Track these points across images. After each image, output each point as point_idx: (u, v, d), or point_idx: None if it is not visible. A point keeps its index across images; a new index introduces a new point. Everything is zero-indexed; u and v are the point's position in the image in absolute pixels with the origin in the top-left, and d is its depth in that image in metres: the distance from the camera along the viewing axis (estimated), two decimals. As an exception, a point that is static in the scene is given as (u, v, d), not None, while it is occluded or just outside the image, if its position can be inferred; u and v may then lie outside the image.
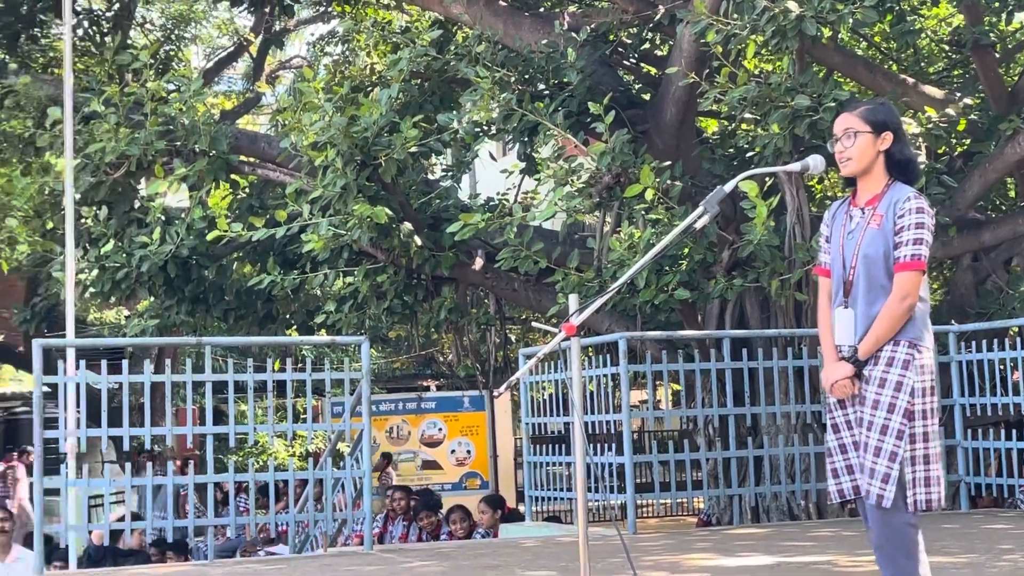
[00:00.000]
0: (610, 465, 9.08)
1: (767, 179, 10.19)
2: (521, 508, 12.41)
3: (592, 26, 11.17)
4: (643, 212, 9.44)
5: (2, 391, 28.12)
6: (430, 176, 13.08)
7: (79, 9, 14.56)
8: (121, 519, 9.20)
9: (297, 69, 20.38)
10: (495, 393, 9.43)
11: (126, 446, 7.75)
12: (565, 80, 10.38)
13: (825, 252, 4.52)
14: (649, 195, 9.16)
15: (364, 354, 8.01)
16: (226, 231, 10.56)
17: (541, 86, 10.80)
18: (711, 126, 14.05)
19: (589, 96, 10.09)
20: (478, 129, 10.93)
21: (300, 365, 7.96)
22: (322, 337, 11.76)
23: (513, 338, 17.29)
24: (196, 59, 21.85)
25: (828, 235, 4.50)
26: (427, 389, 20.83)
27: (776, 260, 9.36)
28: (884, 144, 4.35)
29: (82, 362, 7.93)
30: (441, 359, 21.19)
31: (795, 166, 4.50)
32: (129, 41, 13.12)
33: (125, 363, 7.43)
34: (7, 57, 13.42)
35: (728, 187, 4.32)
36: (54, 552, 9.99)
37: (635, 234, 9.37)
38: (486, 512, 11.04)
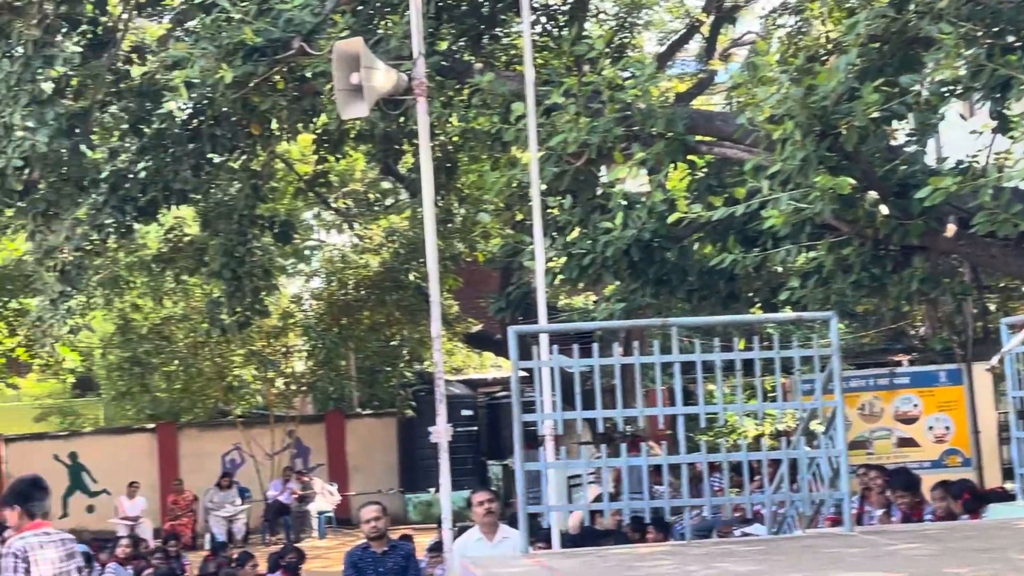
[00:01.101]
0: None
1: None
2: (1009, 486, 11.71)
3: (1068, -32, 10.34)
4: None
5: (484, 377, 29.71)
6: (893, 142, 12.55)
7: (536, 5, 15.07)
8: (597, 499, 9.41)
9: (750, 45, 20.18)
10: (988, 367, 8.91)
11: (600, 427, 7.88)
12: (1038, 29, 9.67)
13: None
14: None
15: (832, 329, 7.77)
16: (686, 212, 10.57)
17: (1011, 38, 10.10)
18: None
19: (1066, 44, 9.34)
20: (944, 89, 10.36)
21: (766, 343, 7.82)
22: (787, 314, 11.55)
23: (992, 307, 16.37)
24: (649, 44, 22.10)
25: None
26: (899, 364, 20.12)
27: None
28: None
29: (555, 347, 8.15)
30: (913, 332, 20.41)
31: None
32: (584, 32, 13.43)
33: (595, 347, 7.55)
34: (472, 57, 14.06)
35: None
36: (535, 533, 10.37)
37: None
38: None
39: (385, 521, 10.83)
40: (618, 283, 12.70)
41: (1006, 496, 10.82)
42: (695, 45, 22.44)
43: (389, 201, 25.67)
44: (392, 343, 26.23)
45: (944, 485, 11.25)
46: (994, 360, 4.28)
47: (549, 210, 11.85)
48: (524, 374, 10.05)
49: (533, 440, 11.05)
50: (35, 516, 7.86)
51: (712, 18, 19.50)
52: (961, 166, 10.78)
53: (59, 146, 13.85)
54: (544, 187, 11.71)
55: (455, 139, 13.90)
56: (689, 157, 12.19)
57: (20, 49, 13.54)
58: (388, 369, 26.65)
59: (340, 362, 26.78)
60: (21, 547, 7.66)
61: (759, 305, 13.33)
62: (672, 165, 11.76)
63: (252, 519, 24.54)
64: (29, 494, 7.95)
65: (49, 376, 32.11)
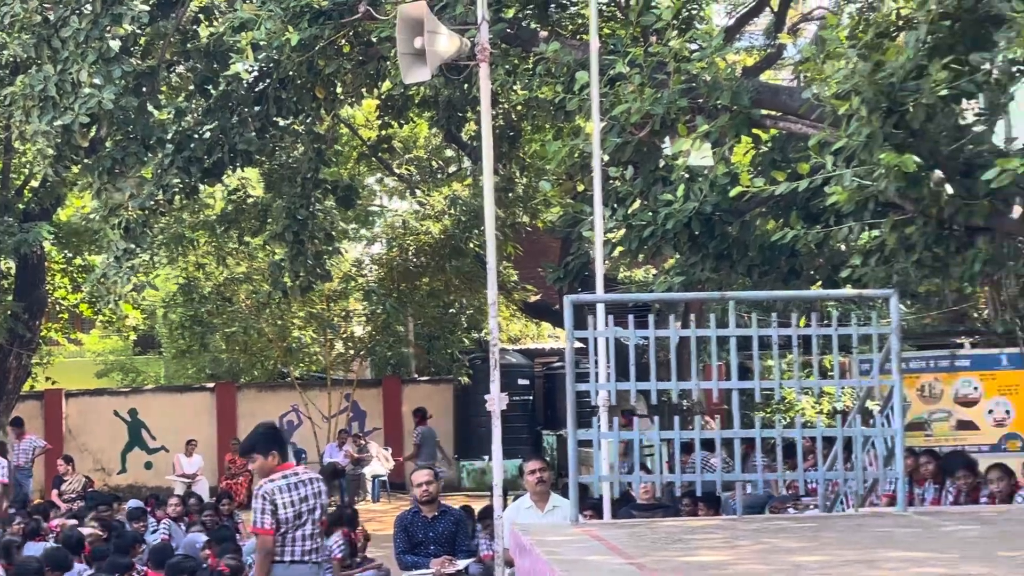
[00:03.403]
0: None
1: None
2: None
3: None
4: None
5: (542, 347, 29.74)
6: (961, 121, 12.37)
7: (605, -25, 14.98)
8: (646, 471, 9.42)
9: (820, 19, 19.95)
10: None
11: (654, 399, 7.87)
12: (1115, 7, 9.47)
13: None
14: None
15: (893, 308, 7.70)
16: (748, 186, 10.49)
17: (1087, 17, 9.91)
18: None
19: None
20: (1015, 68, 10.19)
21: (825, 321, 7.77)
22: (847, 291, 11.46)
23: (1058, 292, 16.14)
24: (718, 17, 21.89)
25: None
26: (960, 346, 19.89)
27: None
28: None
29: (610, 318, 8.13)
30: (975, 314, 20.17)
31: None
32: (652, 2, 13.33)
33: (651, 318, 7.53)
34: (538, 25, 14.00)
35: None
36: (585, 502, 10.39)
37: None
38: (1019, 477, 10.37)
39: (436, 486, 10.88)
40: (678, 256, 12.65)
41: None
42: (764, 19, 22.21)
43: (452, 168, 25.70)
44: (451, 310, 26.32)
45: (1002, 467, 11.15)
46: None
47: (610, 181, 11.81)
48: (580, 345, 10.03)
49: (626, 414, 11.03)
50: (286, 459, 8.84)
51: (783, -8, 19.28)
52: (1029, 147, 10.63)
53: (126, 104, 13.98)
54: (606, 158, 11.67)
55: (518, 108, 13.89)
56: (753, 131, 12.10)
57: (89, 7, 13.66)
58: (446, 336, 26.75)
59: (399, 328, 26.90)
60: (270, 489, 8.62)
61: (820, 282, 13.22)
62: (736, 138, 11.68)
63: (307, 480, 24.74)
64: (277, 438, 9.00)
65: (111, 333, 32.52)
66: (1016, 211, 10.52)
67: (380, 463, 24.63)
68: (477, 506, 13.06)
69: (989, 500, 10.68)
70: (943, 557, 5.64)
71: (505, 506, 9.67)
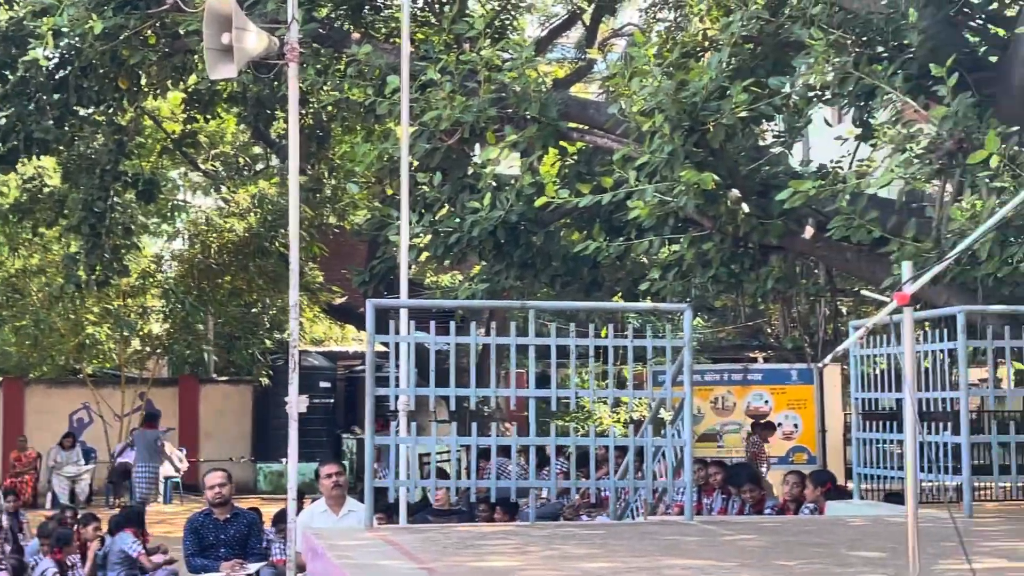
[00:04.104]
0: (945, 445, 8.64)
1: None
2: (850, 485, 12.03)
3: (936, -16, 10.61)
4: (987, 180, 8.89)
5: (345, 350, 29.55)
6: (760, 143, 12.78)
7: (415, -20, 14.98)
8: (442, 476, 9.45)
9: (629, 36, 20.34)
10: (821, 364, 9.19)
11: (452, 405, 7.90)
12: (905, 42, 9.89)
13: None
14: (994, 162, 8.62)
15: (687, 322, 7.89)
16: (554, 197, 10.64)
17: (879, 48, 10.33)
18: (1065, 89, 13.13)
19: (930, 58, 9.56)
20: (811, 94, 10.56)
21: (624, 332, 7.92)
22: (645, 304, 11.71)
23: (844, 310, 16.76)
24: (530, 28, 22.16)
25: None
26: (753, 360, 20.52)
27: None
28: None
29: (413, 323, 8.14)
30: (768, 330, 20.83)
31: None
32: (466, 11, 13.40)
33: (453, 324, 7.56)
34: (351, 27, 13.93)
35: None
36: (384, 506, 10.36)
37: (977, 204, 8.86)
38: (808, 488, 10.73)
39: (229, 488, 10.72)
40: (483, 264, 12.74)
41: (845, 494, 11.12)
42: (576, 32, 22.54)
43: (259, 166, 25.36)
44: (253, 310, 25.93)
45: (799, 473, 11.54)
46: (828, 358, 4.41)
47: (418, 186, 11.83)
48: (382, 348, 10.01)
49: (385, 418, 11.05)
50: None
51: (593, 7, 19.60)
52: (823, 171, 11.03)
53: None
54: (415, 163, 11.69)
55: (328, 108, 13.76)
56: (561, 143, 12.28)
57: None
58: (248, 336, 26.34)
59: (198, 326, 26.41)
60: None
61: (620, 294, 13.48)
62: (543, 149, 11.83)
63: (97, 480, 24.08)
64: None
65: None
66: (808, 232, 10.91)
67: (173, 464, 24.07)
68: (272, 509, 12.89)
69: (773, 512, 11.03)
70: (724, 565, 5.80)
71: (301, 509, 9.57)
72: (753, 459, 15.26)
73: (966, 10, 11.43)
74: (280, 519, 10.67)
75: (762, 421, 16.27)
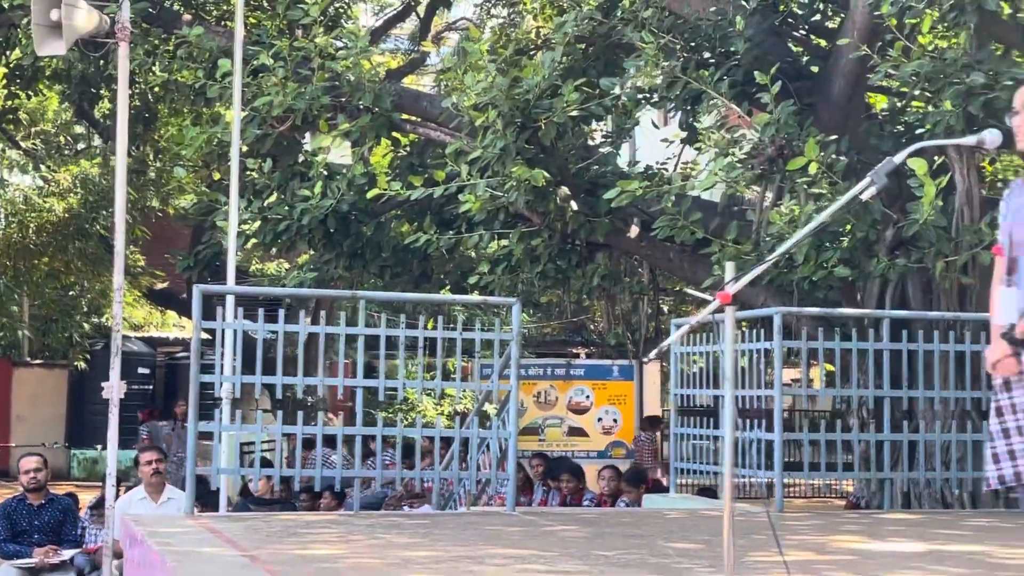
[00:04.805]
0: (759, 442, 8.94)
1: (936, 158, 9.87)
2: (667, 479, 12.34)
3: (763, -6, 10.94)
4: (806, 186, 9.23)
5: (165, 336, 29.02)
6: (590, 142, 13.00)
7: (253, -37, 14.80)
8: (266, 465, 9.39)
9: (463, 30, 20.43)
10: (645, 359, 9.40)
11: (279, 394, 7.86)
12: (732, 49, 10.19)
13: (1000, 231, 4.37)
14: (813, 169, 8.95)
15: (515, 316, 8.00)
16: (385, 188, 10.65)
17: (707, 54, 10.62)
18: (880, 102, 13.67)
19: (755, 66, 9.87)
20: (640, 96, 10.81)
21: (452, 324, 7.99)
22: (473, 297, 11.81)
23: (666, 309, 17.17)
24: (365, 17, 22.06)
25: (1005, 213, 4.35)
26: (577, 356, 20.82)
27: (942, 241, 9.07)
28: (1063, 123, 4.18)
29: (240, 310, 8.07)
30: (592, 327, 21.17)
31: (970, 139, 4.34)
32: (301, -3, 13.31)
33: (281, 312, 7.53)
34: (182, 8, 13.70)
35: (899, 158, 4.18)
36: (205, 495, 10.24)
37: (796, 209, 9.18)
38: (629, 490, 10.93)
39: (45, 474, 10.47)
40: (312, 252, 12.67)
41: (662, 487, 11.40)
42: (411, 23, 22.54)
43: (81, 146, 24.71)
44: (71, 292, 25.26)
45: (614, 468, 11.76)
46: (652, 354, 4.55)
47: (248, 172, 11.71)
48: (207, 336, 9.88)
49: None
50: None
51: (428, -1, 19.64)
52: (650, 172, 11.28)
53: None
54: (245, 148, 11.57)
55: (156, 90, 13.49)
56: (394, 134, 12.30)
57: None
58: (65, 319, 25.64)
59: (12, 307, 25.60)
60: None
61: (449, 287, 13.56)
62: (376, 140, 11.84)
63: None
64: None
65: None
66: (633, 231, 11.16)
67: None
68: (87, 496, 12.62)
69: (592, 504, 11.24)
70: (545, 555, 5.91)
71: (118, 496, 9.40)
72: (640, 459, 15.40)
73: (790, 20, 11.83)
74: (97, 506, 10.46)
75: (648, 416, 16.48)
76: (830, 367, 11.90)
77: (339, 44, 12.05)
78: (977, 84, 8.62)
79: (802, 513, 9.23)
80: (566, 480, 11.61)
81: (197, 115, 15.09)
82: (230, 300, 9.43)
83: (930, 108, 9.27)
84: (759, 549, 6.07)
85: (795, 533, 7.19)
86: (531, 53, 12.48)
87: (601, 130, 13.45)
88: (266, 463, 9.43)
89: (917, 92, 9.39)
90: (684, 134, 11.30)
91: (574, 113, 10.05)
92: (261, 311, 7.73)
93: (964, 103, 8.68)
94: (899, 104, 11.68)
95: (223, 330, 8.19)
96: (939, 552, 6.50)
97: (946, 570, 5.82)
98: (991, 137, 4.29)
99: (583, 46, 11.14)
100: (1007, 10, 9.03)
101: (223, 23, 14.11)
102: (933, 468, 9.03)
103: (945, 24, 9.25)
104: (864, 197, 4.16)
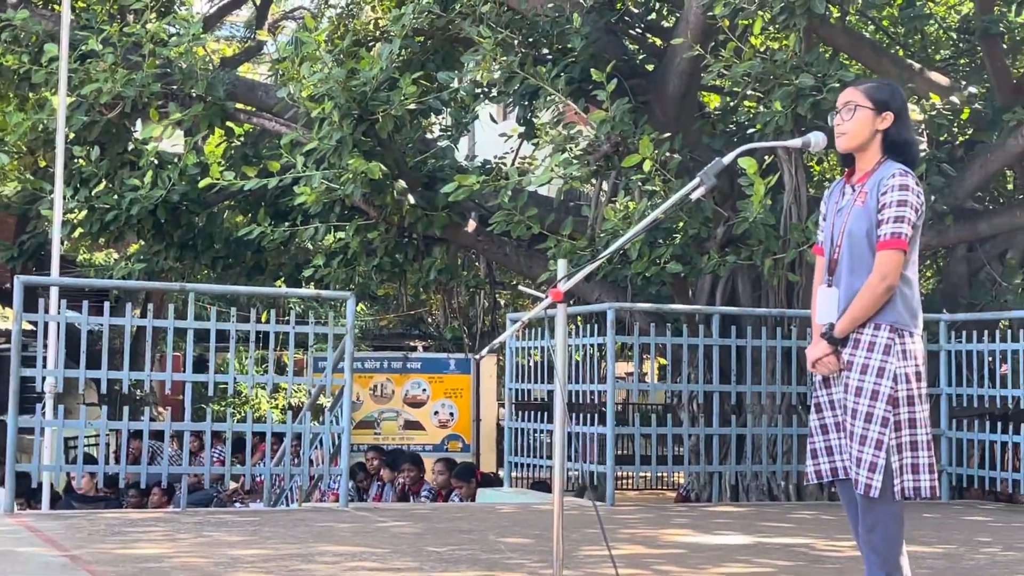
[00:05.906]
0: (591, 435, 9.03)
1: (766, 157, 10.10)
2: (502, 473, 12.37)
3: (599, -8, 11.02)
4: (640, 183, 9.35)
5: (-12, 328, 28.07)
6: (428, 135, 12.97)
7: (82, -55, 14.36)
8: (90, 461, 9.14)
9: (300, 19, 20.18)
10: (478, 355, 9.43)
11: (104, 388, 7.66)
12: (569, 46, 10.24)
13: (821, 231, 4.46)
14: (647, 166, 9.06)
15: (349, 310, 7.93)
16: (218, 179, 10.46)
17: (544, 50, 10.67)
18: (713, 101, 13.94)
19: (592, 63, 9.95)
20: (478, 90, 10.81)
21: (286, 318, 7.88)
22: (308, 291, 11.68)
23: (502, 303, 17.23)
24: (199, 3, 21.59)
25: (824, 213, 4.44)
26: (413, 349, 20.76)
27: (771, 239, 9.28)
28: (883, 123, 4.27)
29: (64, 301, 7.84)
30: (429, 320, 21.13)
31: (796, 142, 4.41)
32: (132, -19, 12.95)
33: (107, 304, 7.32)
34: (6, -10, 13.22)
35: (727, 159, 4.24)
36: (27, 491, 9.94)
37: (631, 205, 9.28)
38: (460, 485, 10.91)
39: None
40: (141, 243, 12.37)
41: (496, 481, 11.43)
42: (246, 11, 22.15)
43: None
44: None
45: (447, 461, 11.74)
46: (485, 350, 4.53)
47: (75, 159, 11.37)
48: (29, 327, 9.57)
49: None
50: None
51: (265, -13, 19.31)
52: (487, 166, 11.29)
53: None
54: (72, 135, 11.24)
55: (-21, 73, 13.00)
56: (227, 124, 12.07)
57: None
58: None
59: None
60: None
61: (284, 279, 13.38)
62: (209, 129, 11.61)
63: None
64: None
65: None
66: (471, 225, 11.16)
67: None
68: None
69: (431, 497, 11.22)
70: (377, 551, 5.87)
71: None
72: None
73: (627, 19, 11.95)
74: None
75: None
76: (662, 361, 12.09)
77: (172, 30, 11.78)
78: (806, 86, 8.83)
79: (634, 506, 9.34)
80: (407, 469, 11.56)
81: (22, 100, 14.60)
82: (54, 291, 9.15)
83: (761, 108, 9.47)
84: (591, 543, 6.12)
85: (626, 527, 7.28)
86: (369, 45, 12.35)
87: (439, 124, 13.42)
88: (90, 459, 9.19)
89: (748, 92, 9.58)
90: (522, 129, 11.35)
91: (412, 106, 10.00)
92: (86, 303, 7.51)
93: (793, 104, 8.88)
94: (731, 104, 11.91)
95: (46, 322, 7.94)
96: (763, 544, 6.65)
97: (770, 562, 5.96)
98: (816, 139, 4.37)
99: (421, 39, 11.09)
100: (836, 14, 9.26)
101: (50, 6, 13.66)
102: (760, 461, 9.24)
103: (776, 26, 9.44)
104: (694, 197, 4.21)
